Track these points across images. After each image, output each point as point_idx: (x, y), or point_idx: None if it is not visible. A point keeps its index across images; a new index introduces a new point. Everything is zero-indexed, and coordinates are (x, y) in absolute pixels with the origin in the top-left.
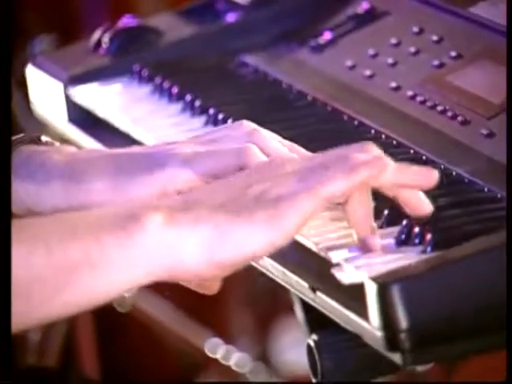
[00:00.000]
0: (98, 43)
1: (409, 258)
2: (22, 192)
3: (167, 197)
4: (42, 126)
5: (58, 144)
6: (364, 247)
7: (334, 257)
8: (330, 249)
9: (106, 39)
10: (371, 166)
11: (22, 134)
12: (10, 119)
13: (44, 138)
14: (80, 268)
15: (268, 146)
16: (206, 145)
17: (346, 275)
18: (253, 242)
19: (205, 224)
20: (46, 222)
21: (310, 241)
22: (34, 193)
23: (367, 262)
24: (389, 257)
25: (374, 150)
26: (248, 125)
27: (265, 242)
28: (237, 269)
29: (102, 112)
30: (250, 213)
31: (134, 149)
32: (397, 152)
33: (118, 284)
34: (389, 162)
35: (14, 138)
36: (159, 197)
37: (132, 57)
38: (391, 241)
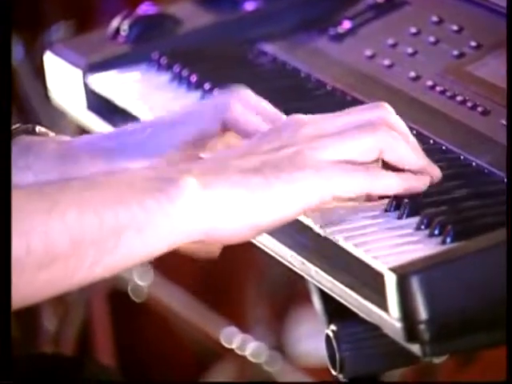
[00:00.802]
0: (117, 31)
1: (429, 248)
2: (19, 182)
3: (196, 160)
4: (59, 114)
5: (52, 134)
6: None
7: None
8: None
9: (124, 27)
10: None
11: (17, 125)
12: (9, 118)
13: (39, 128)
14: (127, 231)
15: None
16: None
17: None
18: (290, 204)
19: (240, 187)
20: (91, 185)
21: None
22: (32, 183)
23: (387, 253)
24: (409, 247)
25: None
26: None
27: (301, 204)
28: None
29: (120, 100)
30: (288, 174)
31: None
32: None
33: (158, 245)
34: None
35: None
36: (188, 159)
37: (151, 45)
38: (411, 231)
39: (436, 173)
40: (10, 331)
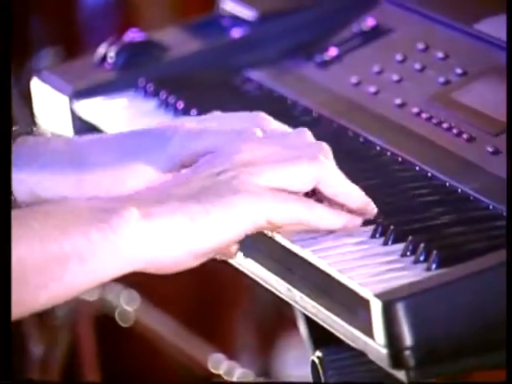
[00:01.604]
0: (104, 57)
1: (414, 275)
2: (28, 181)
3: (139, 190)
4: None
5: (50, 134)
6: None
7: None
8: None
9: (111, 53)
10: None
11: (16, 127)
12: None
13: (36, 130)
14: (70, 260)
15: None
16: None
17: None
18: (226, 230)
19: (179, 215)
20: (40, 216)
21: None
22: (38, 180)
23: (373, 279)
24: (394, 274)
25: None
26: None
27: (237, 229)
28: (212, 255)
29: (107, 126)
30: (224, 200)
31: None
32: (402, 169)
33: (102, 275)
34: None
35: None
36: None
37: (138, 71)
38: (396, 257)
39: (372, 211)
40: (9, 331)
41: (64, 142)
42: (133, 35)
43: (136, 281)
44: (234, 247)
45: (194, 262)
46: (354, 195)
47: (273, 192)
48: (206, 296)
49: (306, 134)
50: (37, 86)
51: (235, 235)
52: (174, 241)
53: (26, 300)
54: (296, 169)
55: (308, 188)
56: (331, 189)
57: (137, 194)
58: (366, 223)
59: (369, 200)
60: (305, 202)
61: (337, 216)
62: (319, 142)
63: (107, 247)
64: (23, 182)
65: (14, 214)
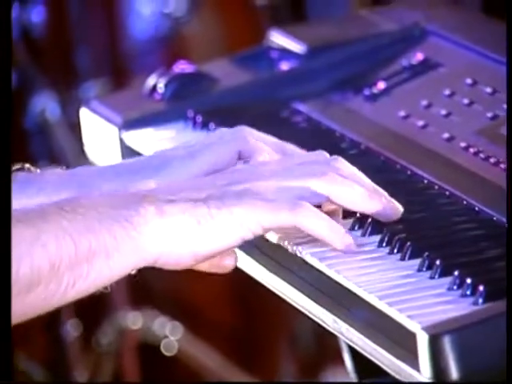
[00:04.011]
0: (153, 88)
1: (460, 308)
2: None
3: (155, 188)
4: None
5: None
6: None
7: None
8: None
9: (161, 84)
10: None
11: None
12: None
13: (31, 168)
14: (98, 256)
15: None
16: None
17: None
18: (225, 236)
19: (188, 216)
20: (67, 213)
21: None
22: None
23: (420, 312)
24: (441, 307)
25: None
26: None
27: (237, 237)
28: (211, 259)
29: None
30: (229, 208)
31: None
32: (449, 202)
33: (121, 270)
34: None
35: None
36: (149, 187)
37: (187, 102)
38: (443, 291)
39: (396, 212)
40: (10, 332)
41: (60, 171)
42: (182, 67)
43: (179, 311)
44: (229, 261)
45: (193, 263)
46: (365, 204)
47: (270, 203)
48: (250, 327)
49: (321, 153)
50: (86, 116)
51: (233, 241)
52: (181, 240)
53: (55, 297)
54: (303, 184)
55: (320, 201)
56: (341, 201)
57: (153, 191)
58: (413, 256)
59: (387, 203)
60: (297, 211)
61: (330, 228)
62: (334, 157)
63: (129, 243)
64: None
65: (41, 209)
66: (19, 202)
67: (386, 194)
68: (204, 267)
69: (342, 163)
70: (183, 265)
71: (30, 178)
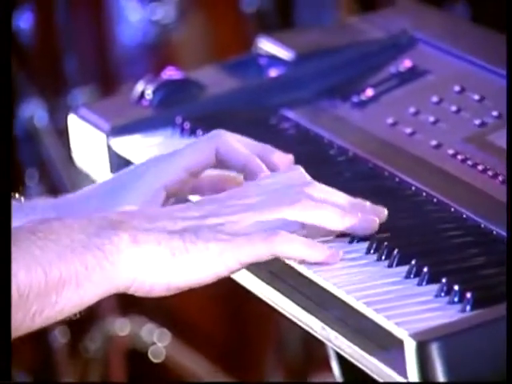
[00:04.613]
0: (141, 95)
1: (448, 316)
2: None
3: (132, 215)
4: (83, 176)
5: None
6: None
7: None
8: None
9: (149, 91)
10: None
11: None
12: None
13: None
14: (68, 286)
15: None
16: None
17: None
18: (201, 271)
19: (163, 247)
20: (39, 240)
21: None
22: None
23: (407, 319)
24: (428, 314)
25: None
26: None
27: (212, 273)
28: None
29: None
30: (205, 243)
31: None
32: (437, 209)
33: (91, 297)
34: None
35: None
36: (125, 213)
37: (175, 109)
38: (431, 298)
39: (373, 224)
40: (10, 332)
41: (45, 199)
42: (170, 73)
43: (167, 317)
44: None
45: (167, 292)
46: (338, 222)
47: (247, 238)
48: (237, 334)
49: (297, 172)
50: (74, 123)
51: (208, 277)
52: (155, 270)
53: (22, 325)
54: (279, 214)
55: (296, 228)
56: (317, 223)
57: (129, 217)
58: (401, 263)
59: (360, 217)
60: (271, 239)
61: (308, 245)
62: (308, 180)
63: (100, 273)
64: None
65: (13, 236)
66: None
67: (367, 204)
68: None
69: (315, 187)
70: (156, 294)
71: (16, 205)
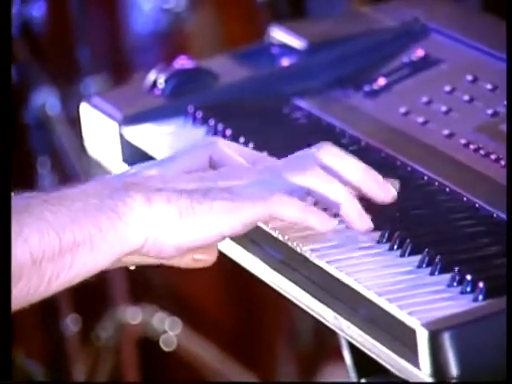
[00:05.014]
0: (154, 84)
1: (460, 305)
2: None
3: (147, 177)
4: (95, 165)
5: None
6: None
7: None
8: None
9: (161, 80)
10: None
11: None
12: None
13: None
14: (82, 249)
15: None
16: None
17: None
18: (206, 231)
19: (172, 206)
20: (52, 206)
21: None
22: None
23: (419, 309)
24: (441, 304)
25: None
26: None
27: (216, 232)
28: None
29: (155, 152)
30: (210, 203)
31: None
32: (449, 199)
33: (106, 260)
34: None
35: None
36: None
37: (187, 98)
38: (443, 287)
39: (390, 193)
40: (10, 331)
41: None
42: (182, 62)
43: (178, 306)
44: (207, 256)
45: (176, 255)
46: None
47: (250, 198)
48: (249, 322)
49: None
50: (86, 111)
51: (214, 236)
52: (164, 230)
53: (38, 290)
54: (285, 183)
55: (300, 196)
56: (319, 198)
57: (143, 179)
58: (413, 253)
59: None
60: (274, 200)
61: (304, 210)
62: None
63: (114, 234)
64: None
65: (26, 203)
66: None
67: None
68: (186, 263)
69: (327, 152)
70: (166, 255)
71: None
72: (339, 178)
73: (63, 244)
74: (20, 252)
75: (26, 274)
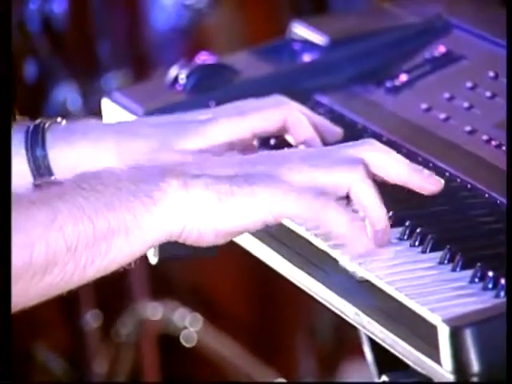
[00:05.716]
0: (175, 79)
1: (482, 301)
2: (69, 155)
3: (183, 162)
4: None
5: None
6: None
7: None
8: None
9: (182, 75)
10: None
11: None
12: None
13: (61, 120)
14: (117, 235)
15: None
16: None
17: None
18: (246, 216)
19: (210, 192)
20: (85, 191)
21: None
22: (79, 152)
23: (441, 305)
24: (462, 300)
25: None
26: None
27: (257, 218)
28: (230, 238)
29: None
30: (251, 187)
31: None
32: (471, 195)
33: (142, 246)
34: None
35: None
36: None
37: (208, 94)
38: (465, 284)
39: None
40: (10, 331)
41: (98, 121)
42: (204, 58)
43: (199, 302)
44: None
45: (216, 240)
46: (378, 215)
47: (295, 189)
48: (269, 318)
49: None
50: (107, 107)
51: (254, 222)
52: (202, 215)
53: (74, 277)
54: (330, 176)
55: (341, 193)
56: (358, 200)
57: (180, 164)
58: (434, 249)
59: (388, 228)
60: (324, 204)
61: (352, 227)
62: (368, 141)
63: (150, 220)
64: (63, 158)
65: (58, 190)
66: (60, 150)
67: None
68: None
69: (373, 154)
70: (206, 241)
71: (71, 126)
72: (386, 173)
73: (97, 231)
74: (55, 240)
75: (61, 262)
